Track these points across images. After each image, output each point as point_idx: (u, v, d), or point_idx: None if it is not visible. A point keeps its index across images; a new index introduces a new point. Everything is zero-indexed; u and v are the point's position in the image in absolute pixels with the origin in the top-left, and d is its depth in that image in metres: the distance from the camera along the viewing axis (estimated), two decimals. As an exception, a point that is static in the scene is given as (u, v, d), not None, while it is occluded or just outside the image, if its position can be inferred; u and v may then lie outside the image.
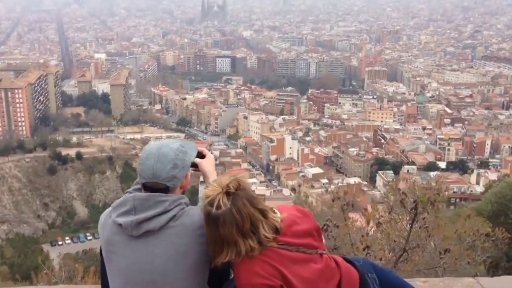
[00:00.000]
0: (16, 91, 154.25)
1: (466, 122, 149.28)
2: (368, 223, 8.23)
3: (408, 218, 7.96)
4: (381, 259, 7.55)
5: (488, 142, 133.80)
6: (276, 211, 3.08)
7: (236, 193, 2.94)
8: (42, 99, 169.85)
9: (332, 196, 8.64)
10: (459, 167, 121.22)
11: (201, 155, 3.68)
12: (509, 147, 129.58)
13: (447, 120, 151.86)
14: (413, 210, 7.83)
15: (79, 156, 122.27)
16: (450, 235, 7.94)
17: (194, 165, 3.58)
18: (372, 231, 8.50)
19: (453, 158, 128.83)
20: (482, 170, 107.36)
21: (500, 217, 12.53)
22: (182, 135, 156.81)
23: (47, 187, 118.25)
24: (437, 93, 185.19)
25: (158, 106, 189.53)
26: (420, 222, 7.87)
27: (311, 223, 3.16)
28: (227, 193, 2.94)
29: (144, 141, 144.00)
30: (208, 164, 3.66)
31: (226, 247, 2.94)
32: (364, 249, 7.43)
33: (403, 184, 8.88)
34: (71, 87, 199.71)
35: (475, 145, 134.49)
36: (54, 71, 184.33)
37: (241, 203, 2.91)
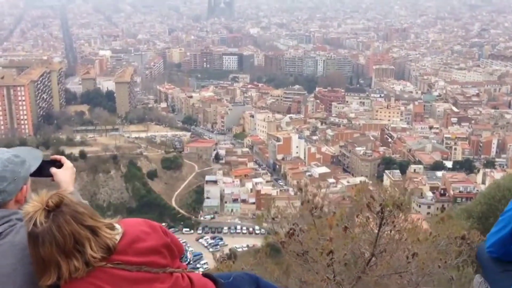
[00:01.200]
0: (18, 88, 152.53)
1: (472, 121, 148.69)
2: (331, 227, 7.81)
3: (376, 222, 7.72)
4: (345, 264, 7.35)
5: (495, 141, 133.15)
6: (118, 226, 2.79)
7: (58, 209, 2.65)
8: (45, 97, 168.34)
9: (301, 199, 8.34)
10: (466, 166, 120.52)
11: (60, 165, 3.31)
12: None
13: (454, 119, 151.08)
14: (380, 214, 7.56)
15: (82, 155, 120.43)
16: (421, 239, 7.70)
17: (51, 175, 3.28)
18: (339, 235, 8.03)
19: (459, 157, 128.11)
20: (488, 170, 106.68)
21: (490, 218, 12.08)
22: (188, 133, 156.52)
23: (49, 187, 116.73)
24: (444, 92, 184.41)
25: (163, 104, 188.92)
26: (389, 226, 7.64)
27: (159, 239, 2.87)
28: (48, 210, 2.65)
29: (150, 140, 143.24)
30: (64, 175, 3.29)
31: (48, 268, 2.64)
32: (328, 254, 7.20)
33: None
34: (75, 85, 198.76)
35: (481, 145, 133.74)
36: (58, 68, 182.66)
37: (62, 220, 2.62)
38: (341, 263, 7.29)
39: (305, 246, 7.80)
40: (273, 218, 8.58)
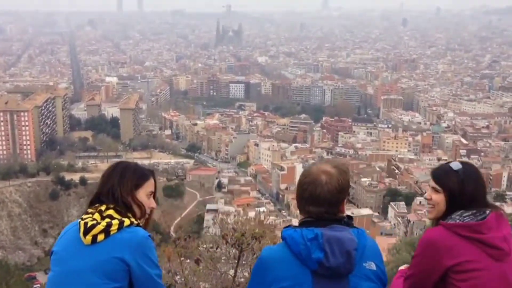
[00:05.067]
0: (22, 113, 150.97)
1: (482, 154, 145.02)
2: (169, 259, 7.70)
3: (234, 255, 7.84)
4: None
5: (505, 174, 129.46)
6: None
7: None
8: (49, 123, 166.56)
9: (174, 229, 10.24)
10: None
11: None
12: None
13: (463, 151, 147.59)
14: (238, 246, 7.64)
15: (83, 181, 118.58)
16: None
17: None
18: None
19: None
20: (498, 203, 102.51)
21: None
22: (192, 161, 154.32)
23: (48, 213, 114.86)
24: (453, 123, 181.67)
25: (168, 131, 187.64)
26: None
27: None
28: None
29: (152, 167, 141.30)
30: None
31: None
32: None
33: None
34: (80, 111, 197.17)
35: (491, 178, 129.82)
36: (63, 94, 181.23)
37: None
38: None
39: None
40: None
